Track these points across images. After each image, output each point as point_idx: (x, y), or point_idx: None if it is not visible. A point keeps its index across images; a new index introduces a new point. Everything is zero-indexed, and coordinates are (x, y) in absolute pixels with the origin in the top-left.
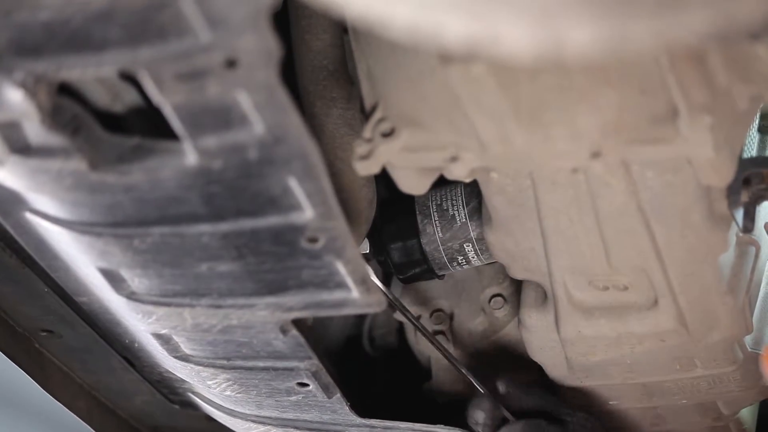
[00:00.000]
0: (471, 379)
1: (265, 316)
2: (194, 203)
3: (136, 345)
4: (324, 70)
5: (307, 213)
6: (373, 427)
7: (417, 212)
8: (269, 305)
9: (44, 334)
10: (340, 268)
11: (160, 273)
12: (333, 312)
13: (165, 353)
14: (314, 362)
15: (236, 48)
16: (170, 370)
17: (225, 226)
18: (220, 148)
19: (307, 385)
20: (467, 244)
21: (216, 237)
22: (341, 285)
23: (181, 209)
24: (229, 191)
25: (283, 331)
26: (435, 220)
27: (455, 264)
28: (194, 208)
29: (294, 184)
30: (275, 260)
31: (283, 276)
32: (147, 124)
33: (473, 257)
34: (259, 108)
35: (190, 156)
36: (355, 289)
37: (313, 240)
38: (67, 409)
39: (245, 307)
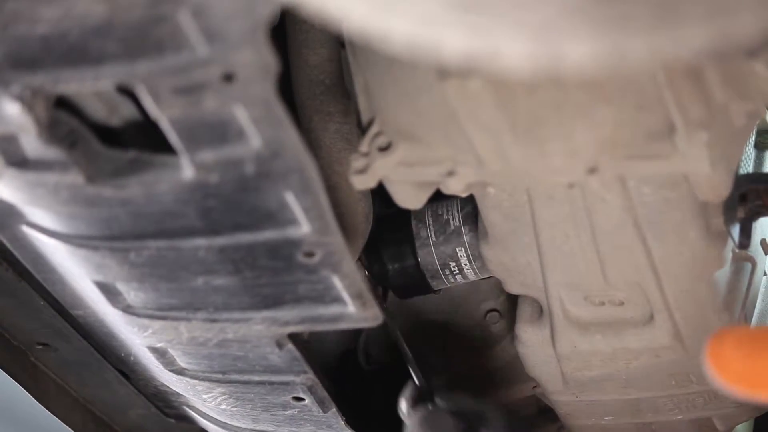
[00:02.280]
0: (413, 372)
1: (261, 330)
2: (191, 217)
3: (132, 358)
4: (321, 85)
5: (303, 227)
6: None
7: (412, 215)
8: (265, 319)
9: (40, 347)
10: (337, 282)
11: (156, 286)
12: (329, 326)
13: (160, 367)
14: (310, 377)
15: (234, 62)
16: (166, 383)
17: (221, 240)
18: (216, 162)
19: (302, 399)
20: (460, 248)
21: (212, 251)
22: (337, 299)
23: (177, 223)
24: (226, 205)
25: (279, 345)
26: (429, 224)
27: (447, 272)
28: (191, 222)
29: (291, 199)
30: (272, 274)
31: (279, 290)
32: (144, 138)
33: (465, 264)
34: (256, 122)
35: (186, 170)
36: (352, 304)
37: (310, 254)
38: (62, 423)
39: (241, 321)
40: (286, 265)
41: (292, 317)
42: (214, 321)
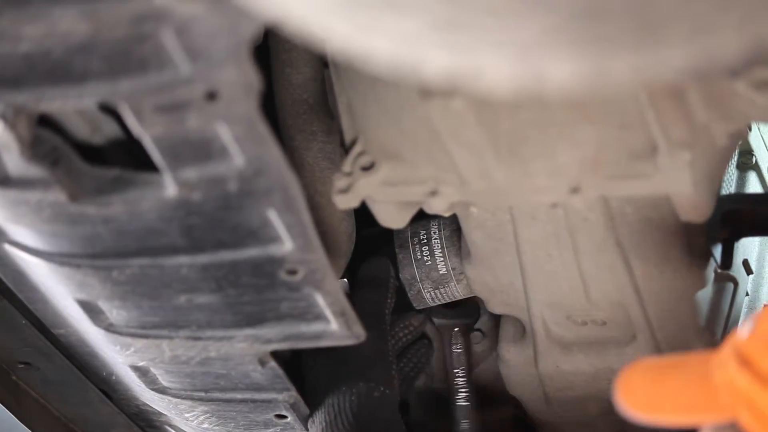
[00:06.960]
0: None
1: (243, 348)
2: (174, 235)
3: (114, 377)
4: (304, 104)
5: (286, 245)
6: None
7: (394, 234)
8: (248, 337)
9: (21, 366)
10: (319, 300)
11: (139, 305)
12: (312, 344)
13: (143, 385)
14: (293, 394)
15: (217, 81)
16: (148, 402)
17: (204, 258)
18: (199, 180)
19: (285, 416)
20: (442, 267)
21: (195, 269)
22: (320, 317)
23: (160, 241)
24: (209, 223)
25: (262, 362)
26: (411, 244)
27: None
28: (173, 239)
29: (274, 217)
30: (254, 292)
31: (262, 308)
32: (127, 156)
33: (448, 284)
34: (239, 140)
35: (169, 188)
36: (334, 321)
37: (293, 272)
38: None
39: (224, 339)
40: (268, 282)
41: (275, 335)
42: (196, 339)
